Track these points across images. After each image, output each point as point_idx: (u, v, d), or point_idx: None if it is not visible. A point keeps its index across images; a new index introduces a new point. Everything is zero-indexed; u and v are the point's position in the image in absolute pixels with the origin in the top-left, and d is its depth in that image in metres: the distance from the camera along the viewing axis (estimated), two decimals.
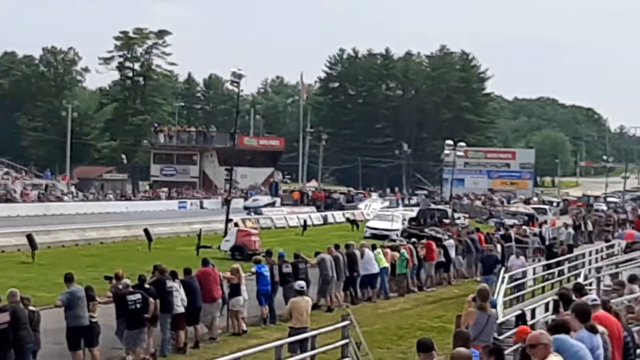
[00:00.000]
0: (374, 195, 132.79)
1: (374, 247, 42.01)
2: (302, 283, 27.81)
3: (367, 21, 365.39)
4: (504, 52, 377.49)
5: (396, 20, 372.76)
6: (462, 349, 12.32)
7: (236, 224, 58.82)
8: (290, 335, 23.18)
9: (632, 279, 21.35)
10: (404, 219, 74.44)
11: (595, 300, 16.15)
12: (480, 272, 43.42)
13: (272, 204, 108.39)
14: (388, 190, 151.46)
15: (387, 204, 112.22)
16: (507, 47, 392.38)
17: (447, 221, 74.08)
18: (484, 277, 38.37)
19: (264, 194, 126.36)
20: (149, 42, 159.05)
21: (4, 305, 22.00)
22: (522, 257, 41.62)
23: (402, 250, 43.16)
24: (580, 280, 29.90)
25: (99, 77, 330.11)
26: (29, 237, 50.43)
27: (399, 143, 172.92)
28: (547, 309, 26.94)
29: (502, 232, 59.45)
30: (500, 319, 22.93)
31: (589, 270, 38.70)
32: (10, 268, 45.06)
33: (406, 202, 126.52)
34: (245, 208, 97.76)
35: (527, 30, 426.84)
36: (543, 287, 37.86)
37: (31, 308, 22.97)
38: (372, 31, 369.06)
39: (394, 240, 53.05)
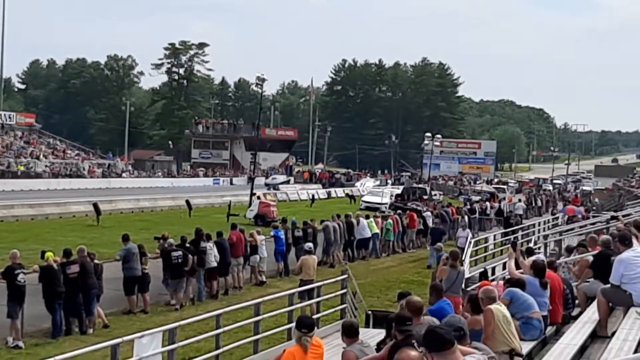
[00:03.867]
0: (368, 176, 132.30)
1: (367, 217, 42.05)
2: (310, 244, 27.80)
3: (365, 37, 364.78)
4: (473, 63, 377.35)
5: (388, 37, 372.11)
6: (414, 297, 12.25)
7: (258, 197, 58.63)
8: (300, 285, 23.13)
9: (578, 245, 21.29)
10: (392, 195, 74.17)
11: (543, 261, 16.13)
12: (429, 242, 42.86)
13: (288, 182, 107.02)
14: (379, 172, 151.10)
15: (378, 182, 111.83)
16: (475, 59, 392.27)
17: (425, 197, 73.90)
18: (432, 247, 37.89)
19: (281, 173, 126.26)
20: (191, 52, 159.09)
21: (75, 258, 22.07)
22: (467, 230, 41.30)
23: (389, 220, 43.14)
24: (531, 245, 29.81)
25: (151, 79, 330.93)
26: (95, 205, 50.54)
27: (389, 134, 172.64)
28: (504, 268, 26.89)
29: (469, 206, 59.34)
30: (467, 275, 22.94)
31: (538, 237, 38.58)
32: (79, 229, 45.19)
33: (397, 181, 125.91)
34: (266, 185, 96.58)
35: (492, 46, 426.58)
36: (501, 250, 37.74)
37: (96, 261, 23.10)
38: (368, 45, 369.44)
39: (384, 212, 52.92)
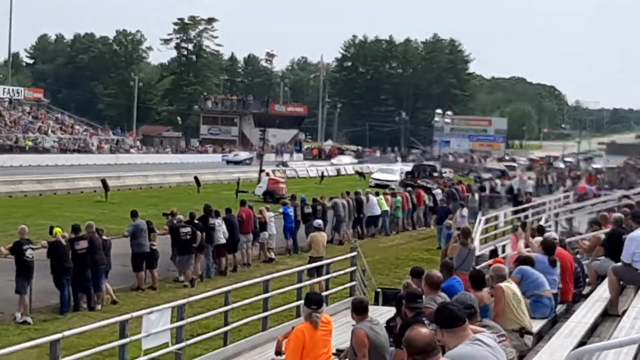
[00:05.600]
0: (347, 152, 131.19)
1: (377, 194, 42.06)
2: (320, 221, 27.90)
3: (375, 13, 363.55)
4: (484, 40, 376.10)
5: (399, 13, 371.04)
6: (435, 271, 12.34)
7: (267, 174, 58.73)
8: (309, 262, 23.17)
9: (592, 222, 21.34)
10: (402, 172, 74.16)
11: (555, 238, 16.16)
12: (434, 222, 42.58)
13: (251, 159, 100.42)
14: (389, 148, 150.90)
15: (357, 160, 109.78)
16: (486, 36, 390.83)
17: (436, 174, 73.83)
18: (438, 227, 37.69)
19: (290, 151, 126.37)
20: (200, 27, 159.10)
21: (83, 234, 22.11)
22: (465, 209, 41.29)
23: (397, 197, 43.09)
24: (542, 222, 29.83)
25: (160, 54, 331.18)
26: (103, 181, 50.70)
27: (399, 111, 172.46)
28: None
29: (479, 184, 59.27)
30: (477, 253, 22.93)
31: (549, 215, 38.58)
32: (88, 205, 45.35)
33: (404, 158, 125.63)
34: (228, 162, 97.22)
35: (503, 23, 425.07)
36: (507, 229, 37.67)
37: (104, 237, 23.14)
38: (379, 21, 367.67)
39: (393, 189, 52.86)
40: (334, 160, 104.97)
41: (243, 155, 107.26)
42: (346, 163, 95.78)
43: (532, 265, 13.87)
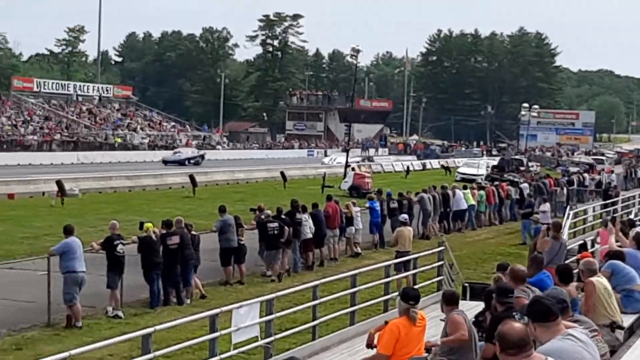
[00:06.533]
0: (337, 150, 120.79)
1: (465, 188, 41.80)
2: (406, 216, 27.74)
3: (460, 6, 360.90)
4: (572, 33, 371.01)
5: (484, 6, 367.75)
6: (519, 265, 12.29)
7: (353, 169, 58.72)
8: (396, 257, 23.12)
9: None
10: (488, 167, 73.61)
11: None
12: (519, 215, 41.90)
13: (202, 157, 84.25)
14: (474, 143, 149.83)
15: (358, 158, 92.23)
16: (574, 28, 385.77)
17: (522, 168, 73.21)
18: (523, 221, 37.13)
19: (375, 145, 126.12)
20: (286, 24, 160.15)
21: (175, 229, 22.30)
22: (547, 204, 40.63)
23: (480, 192, 42.64)
24: (632, 216, 29.34)
25: (246, 51, 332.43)
26: (191, 177, 51.20)
27: (484, 105, 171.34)
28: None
29: (567, 177, 58.55)
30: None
31: (639, 209, 37.94)
32: (176, 201, 45.91)
33: (489, 153, 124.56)
34: (164, 162, 77.62)
35: (590, 14, 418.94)
36: (596, 223, 37.12)
37: (193, 232, 23.27)
38: (464, 15, 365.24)
39: (480, 183, 52.45)
40: (325, 159, 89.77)
41: (187, 152, 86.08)
42: (340, 163, 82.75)
43: (622, 260, 13.69)
